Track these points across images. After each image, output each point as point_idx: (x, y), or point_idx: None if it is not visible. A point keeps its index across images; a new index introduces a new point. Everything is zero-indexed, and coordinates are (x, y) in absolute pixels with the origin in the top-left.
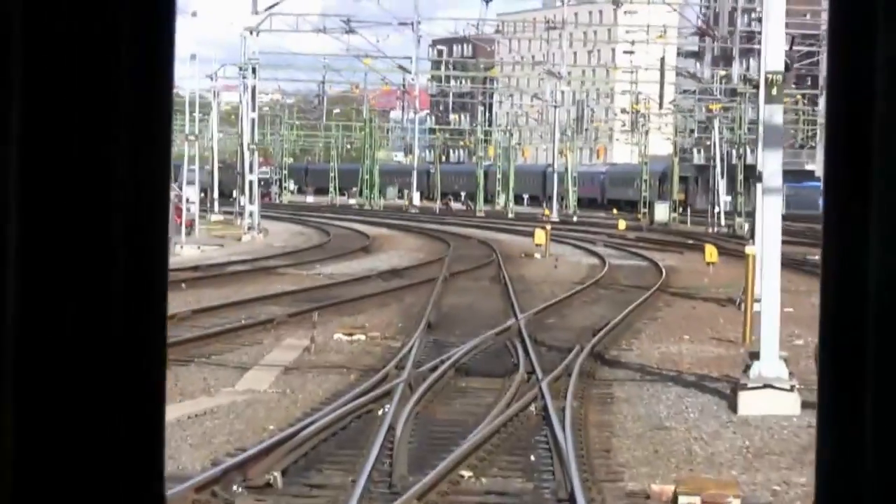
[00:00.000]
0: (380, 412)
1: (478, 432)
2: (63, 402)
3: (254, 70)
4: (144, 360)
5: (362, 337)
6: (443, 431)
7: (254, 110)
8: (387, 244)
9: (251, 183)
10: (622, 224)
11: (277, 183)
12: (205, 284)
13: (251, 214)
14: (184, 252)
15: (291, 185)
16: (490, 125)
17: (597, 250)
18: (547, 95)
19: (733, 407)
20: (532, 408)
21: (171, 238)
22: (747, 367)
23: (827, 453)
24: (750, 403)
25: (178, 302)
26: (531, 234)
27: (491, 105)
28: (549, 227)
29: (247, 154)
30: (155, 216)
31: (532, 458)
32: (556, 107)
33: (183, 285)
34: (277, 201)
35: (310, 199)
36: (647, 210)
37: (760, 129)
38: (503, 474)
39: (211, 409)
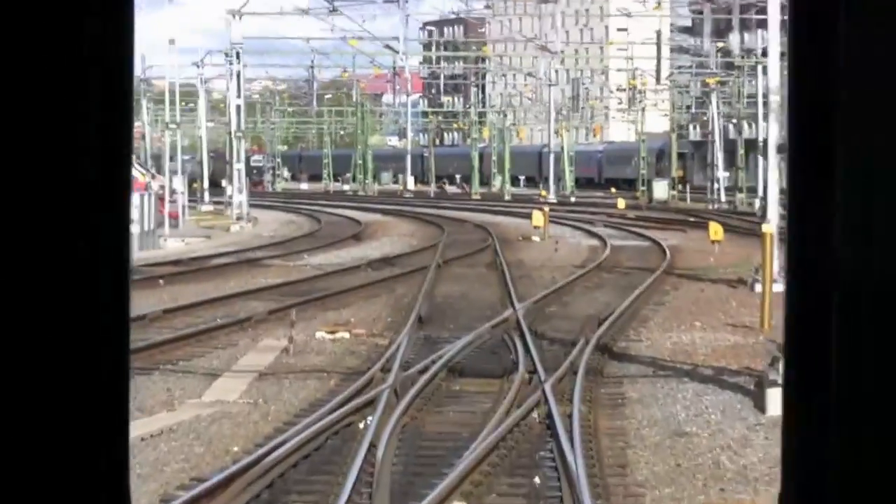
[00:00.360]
0: (361, 425)
1: (473, 449)
2: (9, 411)
3: (238, 55)
4: (104, 366)
5: (346, 335)
6: (433, 448)
7: (239, 97)
8: (379, 231)
9: (239, 171)
10: (621, 203)
11: (271, 171)
12: (184, 280)
13: (239, 204)
14: (168, 245)
15: (286, 173)
16: (484, 106)
17: (597, 231)
18: (541, 74)
19: (760, 406)
20: (535, 415)
21: (154, 230)
22: (774, 360)
23: (792, 447)
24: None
25: (152, 300)
26: (529, 217)
27: (484, 86)
28: (547, 208)
29: (234, 142)
30: (115, 208)
31: (536, 479)
32: (550, 85)
33: (161, 281)
34: (271, 189)
35: (304, 186)
36: (645, 188)
37: (761, 100)
38: (503, 503)
39: (170, 428)
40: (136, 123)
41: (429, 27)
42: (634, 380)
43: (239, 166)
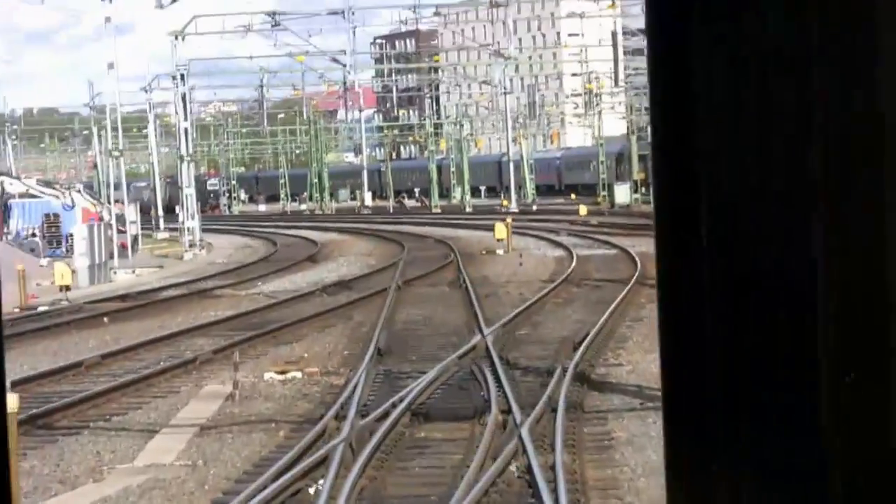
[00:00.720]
0: (312, 490)
1: None
2: None
3: (182, 77)
4: None
5: (298, 374)
6: None
7: (186, 119)
8: (336, 251)
9: (189, 197)
10: (583, 210)
11: (226, 194)
12: (130, 316)
13: (191, 231)
14: (118, 278)
15: (243, 195)
16: (439, 118)
17: (561, 240)
18: (496, 81)
19: None
20: (513, 468)
21: (105, 263)
22: None
23: (674, 456)
24: None
25: (92, 342)
26: (491, 228)
27: (438, 97)
28: (509, 219)
29: (183, 166)
30: None
31: None
32: (506, 93)
33: (105, 319)
34: (228, 213)
35: (262, 207)
36: (606, 193)
37: None
38: None
39: None
40: (88, 153)
41: (380, 41)
42: (620, 415)
43: (189, 191)
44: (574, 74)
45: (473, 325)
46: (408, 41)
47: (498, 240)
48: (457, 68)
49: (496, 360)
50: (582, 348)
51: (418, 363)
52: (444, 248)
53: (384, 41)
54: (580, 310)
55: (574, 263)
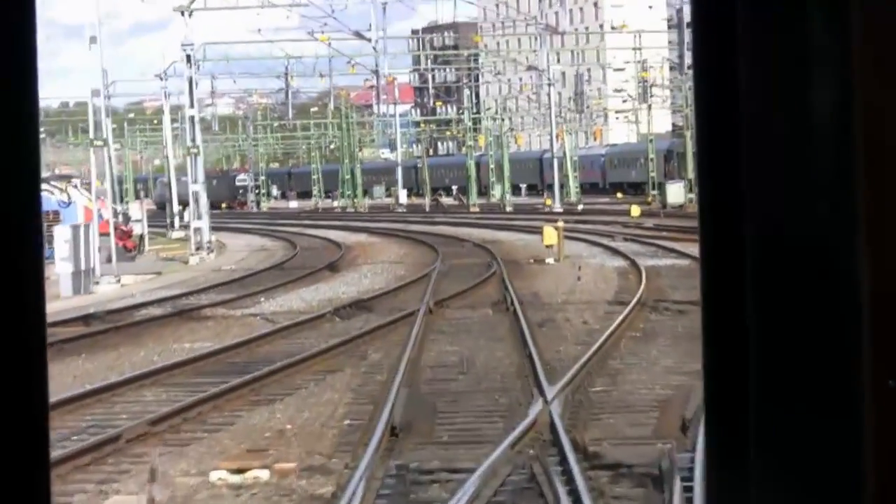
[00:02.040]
0: None
1: None
2: None
3: (189, 58)
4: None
5: (263, 474)
6: None
7: (192, 105)
8: (362, 256)
9: (195, 194)
10: (635, 210)
11: (254, 190)
12: (80, 348)
13: (198, 231)
14: (100, 289)
15: (274, 191)
16: (478, 112)
17: (618, 247)
18: (543, 64)
19: None
20: None
21: (91, 270)
22: None
23: (715, 447)
24: None
25: None
26: (536, 231)
27: (478, 90)
28: (560, 222)
29: (189, 159)
30: (24, 237)
31: None
32: (551, 84)
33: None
34: (255, 210)
35: (293, 204)
36: (656, 192)
37: None
38: None
39: None
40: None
41: (418, 35)
42: None
43: (196, 187)
44: (627, 62)
45: (529, 374)
46: (447, 34)
47: (547, 246)
48: (499, 52)
49: (570, 454)
50: (695, 427)
51: (451, 452)
52: (484, 254)
53: (422, 34)
54: (669, 350)
55: (643, 278)
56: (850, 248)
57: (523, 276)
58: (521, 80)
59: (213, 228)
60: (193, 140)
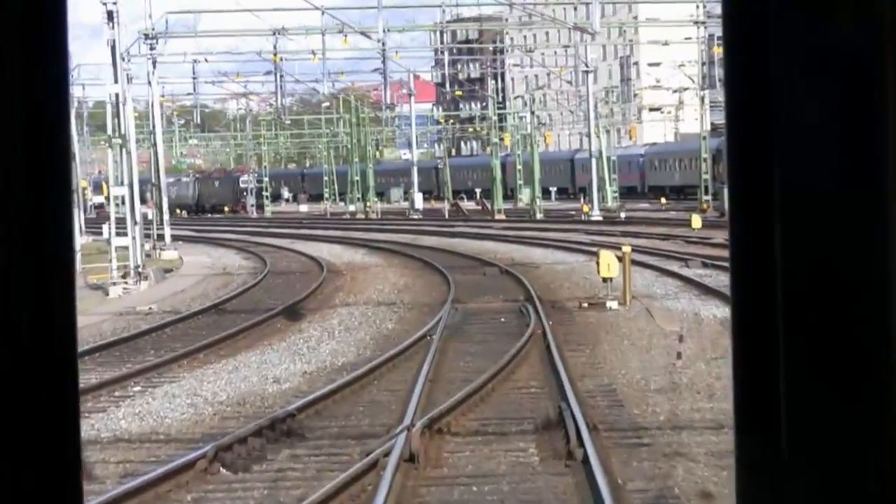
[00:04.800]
0: None
1: None
2: None
3: (111, 16)
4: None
5: None
6: None
7: (116, 81)
8: (344, 290)
9: (120, 199)
10: (696, 221)
11: (253, 192)
12: None
13: (118, 249)
14: None
15: (286, 193)
16: (504, 106)
17: (702, 277)
18: (580, 52)
19: None
20: None
21: None
22: None
23: (746, 449)
24: None
25: None
26: (578, 248)
27: (503, 75)
28: (627, 248)
29: (109, 153)
30: (58, 235)
31: None
32: (588, 71)
33: None
34: (255, 215)
35: (303, 207)
36: (711, 198)
37: None
38: None
39: None
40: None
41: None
42: None
43: (120, 191)
44: (668, 42)
45: None
46: (470, 28)
47: (604, 278)
48: (526, 44)
49: None
50: None
51: None
52: (514, 287)
53: (444, 26)
54: None
55: None
56: (883, 249)
57: (578, 338)
58: (549, 76)
59: (193, 240)
60: (118, 128)
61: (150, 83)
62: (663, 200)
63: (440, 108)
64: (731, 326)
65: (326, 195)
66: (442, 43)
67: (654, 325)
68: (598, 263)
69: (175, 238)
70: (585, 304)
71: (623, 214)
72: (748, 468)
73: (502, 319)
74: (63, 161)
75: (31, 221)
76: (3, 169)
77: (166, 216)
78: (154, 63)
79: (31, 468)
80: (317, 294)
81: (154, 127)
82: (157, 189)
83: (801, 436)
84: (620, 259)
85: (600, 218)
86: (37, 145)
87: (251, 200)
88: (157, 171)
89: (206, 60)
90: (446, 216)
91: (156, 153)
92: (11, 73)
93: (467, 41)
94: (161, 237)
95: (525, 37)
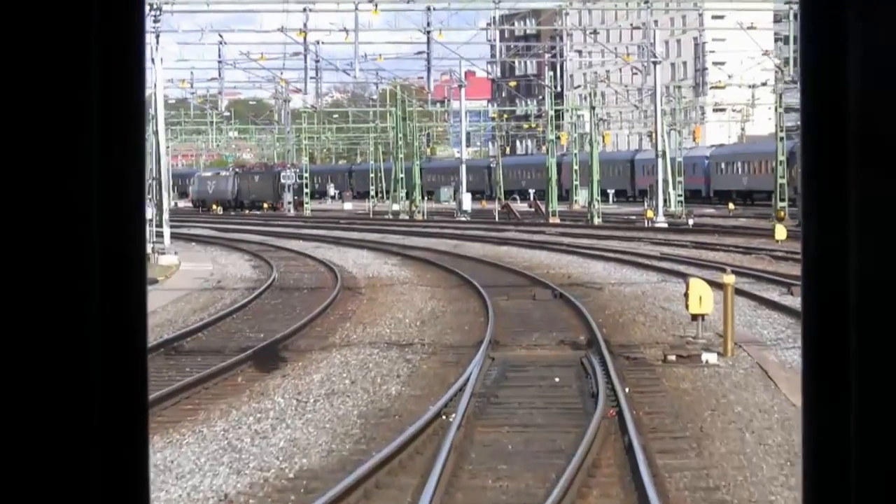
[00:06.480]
0: None
1: None
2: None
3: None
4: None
5: None
6: None
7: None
8: (354, 319)
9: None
10: (781, 232)
11: (291, 189)
12: None
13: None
14: None
15: (332, 191)
16: (561, 101)
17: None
18: (650, 39)
19: None
20: None
21: None
22: None
23: (813, 445)
24: None
25: None
26: (644, 262)
27: (562, 65)
28: (729, 278)
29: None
30: (129, 228)
31: None
32: (655, 62)
33: None
34: (292, 213)
35: (348, 206)
36: (788, 205)
37: None
38: None
39: None
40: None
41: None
42: None
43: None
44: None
45: None
46: (528, 21)
47: (694, 315)
48: (586, 39)
49: None
50: None
51: None
52: (572, 319)
53: (499, 23)
54: None
55: None
56: None
57: (671, 424)
58: (608, 75)
59: (210, 241)
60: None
61: (152, 60)
62: (731, 206)
63: (495, 105)
64: (802, 312)
65: (372, 193)
66: (493, 27)
67: (780, 396)
68: (686, 295)
69: (190, 239)
70: (672, 357)
71: (691, 221)
72: (817, 434)
73: (557, 380)
74: (137, 160)
75: (110, 227)
76: (81, 170)
77: (166, 215)
78: (157, 37)
79: (101, 465)
80: (315, 324)
81: (156, 112)
82: (157, 184)
83: (871, 403)
84: (728, 297)
85: (665, 225)
86: (114, 145)
87: (288, 197)
88: (159, 161)
89: (223, 41)
90: (496, 219)
91: (157, 142)
92: (90, 78)
93: (525, 36)
94: (160, 237)
95: (584, 29)
